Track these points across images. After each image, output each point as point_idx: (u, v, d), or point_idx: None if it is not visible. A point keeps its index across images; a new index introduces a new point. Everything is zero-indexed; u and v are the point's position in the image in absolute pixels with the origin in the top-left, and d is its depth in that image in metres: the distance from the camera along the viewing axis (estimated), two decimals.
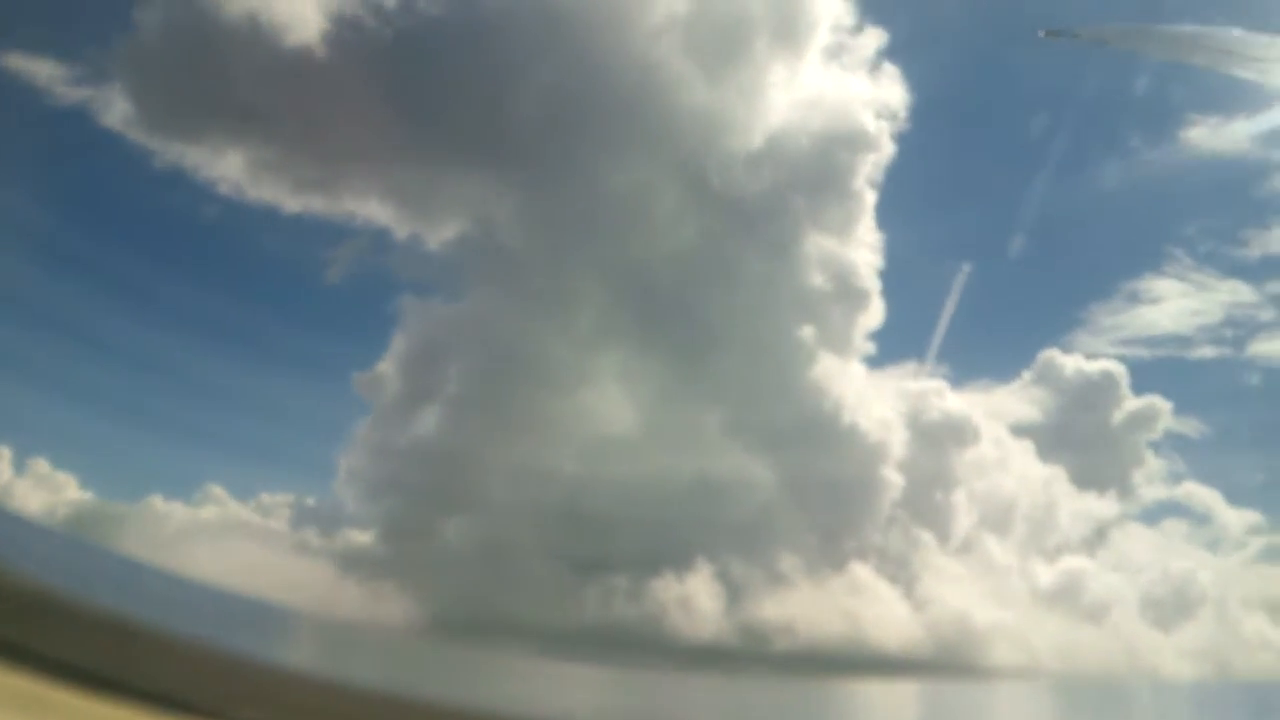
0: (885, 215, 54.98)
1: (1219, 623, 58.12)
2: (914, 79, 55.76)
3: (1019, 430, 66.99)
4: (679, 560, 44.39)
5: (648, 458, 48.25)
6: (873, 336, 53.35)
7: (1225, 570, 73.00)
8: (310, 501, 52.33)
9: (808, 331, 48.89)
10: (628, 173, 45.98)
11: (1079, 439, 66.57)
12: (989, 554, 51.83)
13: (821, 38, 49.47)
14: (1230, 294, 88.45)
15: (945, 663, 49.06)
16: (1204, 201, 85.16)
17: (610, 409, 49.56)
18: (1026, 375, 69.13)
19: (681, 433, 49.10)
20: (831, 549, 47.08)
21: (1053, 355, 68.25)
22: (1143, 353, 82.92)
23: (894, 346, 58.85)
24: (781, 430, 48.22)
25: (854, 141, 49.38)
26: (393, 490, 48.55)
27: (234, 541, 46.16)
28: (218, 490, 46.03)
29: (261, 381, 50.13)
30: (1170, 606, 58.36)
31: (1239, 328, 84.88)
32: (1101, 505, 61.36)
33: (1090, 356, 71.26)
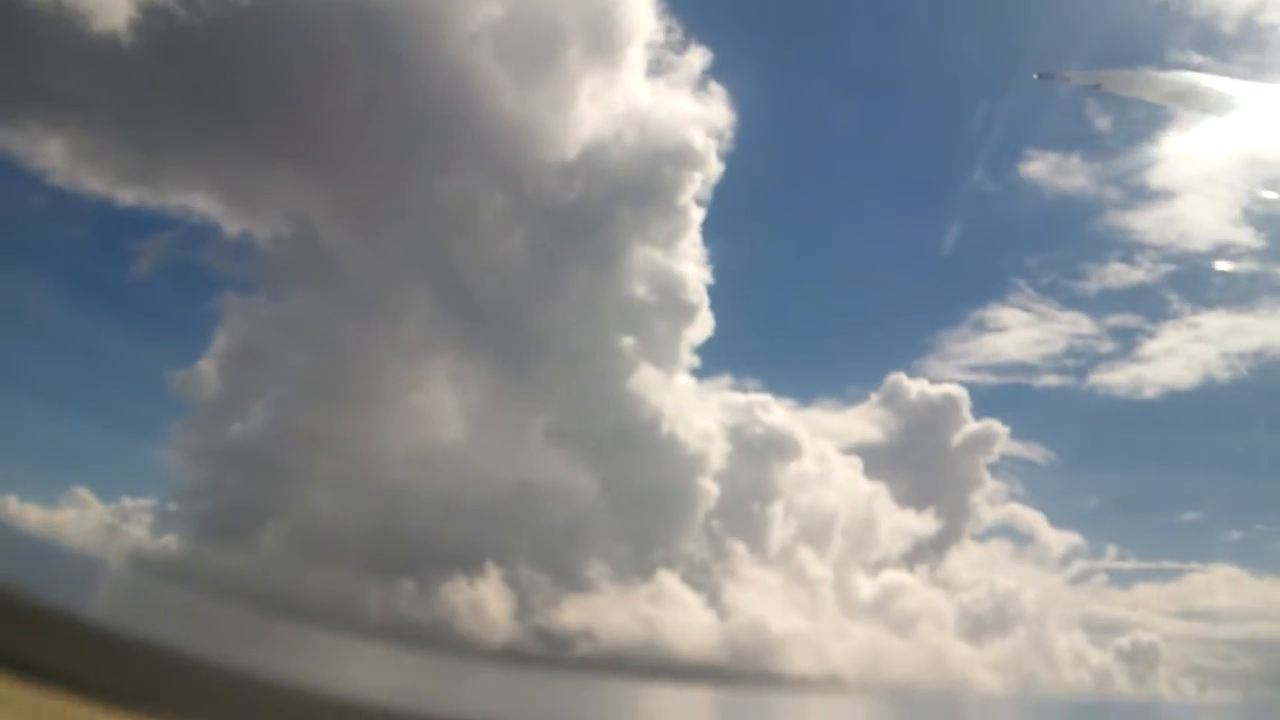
0: (715, 232, 56.30)
1: (1035, 639, 60.01)
2: (743, 99, 57.28)
3: (862, 449, 68.63)
4: (494, 563, 44.72)
5: (471, 464, 48.57)
6: (700, 349, 54.54)
7: (1047, 589, 75.27)
8: (127, 503, 52.16)
9: (630, 342, 49.76)
10: (451, 178, 46.50)
11: (920, 459, 68.39)
12: (805, 566, 52.93)
13: (643, 53, 50.74)
14: (1071, 325, 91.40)
15: (744, 670, 49.99)
16: (1045, 235, 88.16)
17: (436, 415, 49.88)
18: (875, 397, 71.13)
19: (505, 439, 49.53)
20: (642, 556, 47.78)
21: (899, 379, 70.24)
22: (991, 379, 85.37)
23: (723, 360, 60.01)
24: (601, 438, 48.93)
25: (680, 157, 50.45)
26: (209, 494, 48.32)
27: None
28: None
29: (77, 376, 49.60)
30: (989, 622, 60.09)
31: (1080, 358, 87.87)
32: (931, 523, 63.10)
33: (935, 381, 73.40)
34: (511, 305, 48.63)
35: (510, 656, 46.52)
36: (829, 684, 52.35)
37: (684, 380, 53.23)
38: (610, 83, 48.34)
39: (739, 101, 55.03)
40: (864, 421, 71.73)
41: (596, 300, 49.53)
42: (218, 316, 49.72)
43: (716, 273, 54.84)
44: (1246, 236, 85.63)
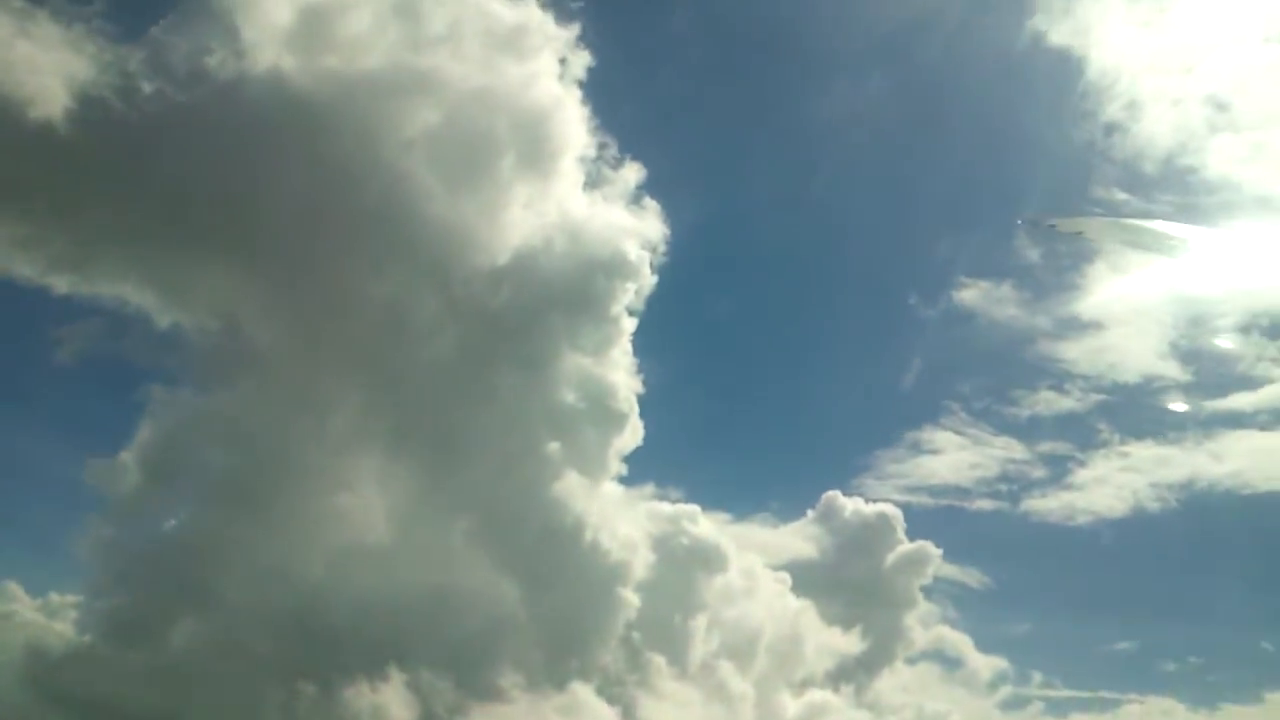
0: (647, 342, 57.24)
1: None
2: (677, 213, 59.15)
3: (797, 565, 68.53)
4: (402, 667, 44.07)
5: (391, 565, 48.09)
6: (629, 458, 54.84)
7: (978, 715, 74.55)
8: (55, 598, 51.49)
9: (556, 447, 49.93)
10: (384, 280, 47.28)
11: (853, 578, 68.29)
12: (726, 682, 52.32)
13: (578, 166, 52.34)
14: (1005, 450, 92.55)
15: None
16: (978, 361, 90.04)
17: (360, 514, 49.58)
18: (811, 513, 71.34)
19: (427, 541, 49.16)
20: (556, 666, 47.16)
21: (835, 496, 70.61)
22: (926, 500, 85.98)
23: (653, 470, 60.28)
24: (523, 544, 48.63)
25: (613, 267, 51.52)
26: (121, 590, 47.52)
27: None
28: None
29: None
30: None
31: (1013, 483, 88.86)
32: (860, 643, 62.74)
33: (871, 500, 73.79)
34: (440, 407, 48.89)
35: None
36: None
37: (611, 488, 53.39)
38: (544, 193, 49.76)
39: (673, 215, 56.82)
40: (799, 538, 71.82)
41: (525, 405, 49.91)
42: (143, 408, 49.52)
43: (648, 382, 55.62)
44: (1174, 370, 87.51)
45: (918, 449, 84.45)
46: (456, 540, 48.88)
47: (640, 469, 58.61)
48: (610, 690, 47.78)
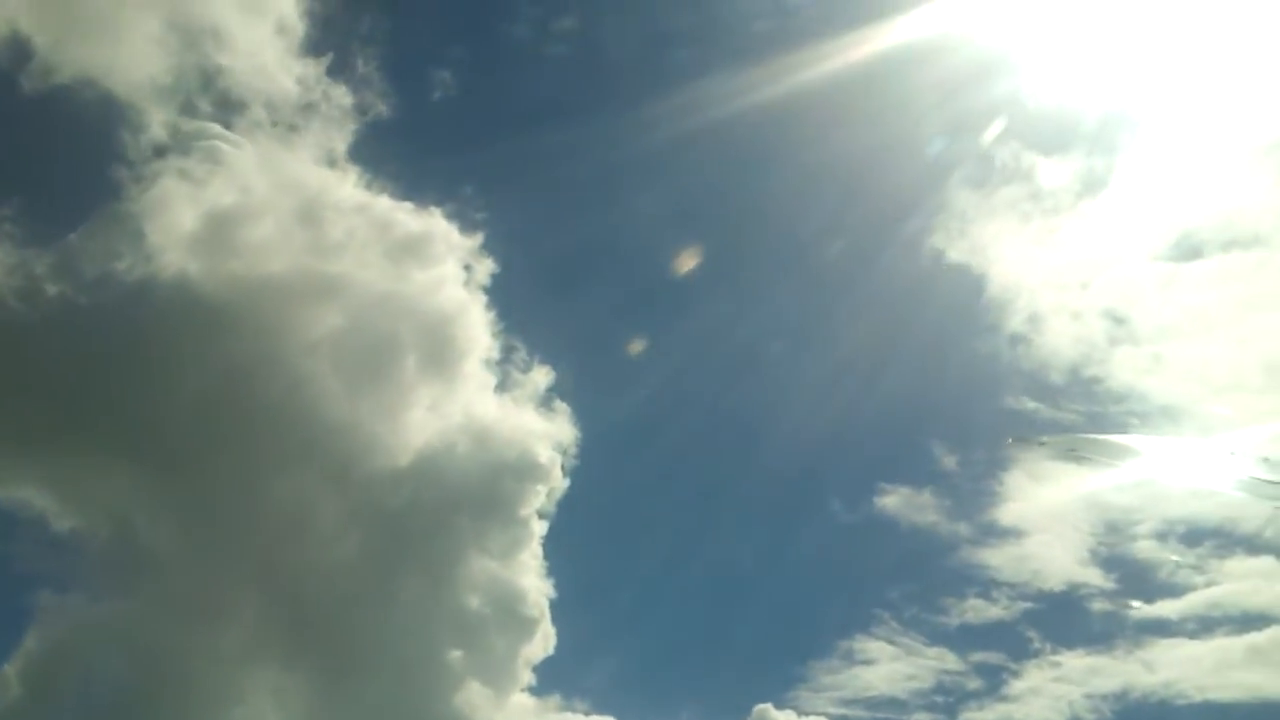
0: (559, 546, 56.48)
1: None
2: (588, 416, 59.50)
3: None
4: None
5: None
6: (540, 667, 53.06)
7: None
8: None
9: (459, 656, 48.38)
10: (283, 484, 46.92)
11: None
12: None
13: (485, 369, 53.08)
14: (938, 660, 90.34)
15: None
16: (904, 569, 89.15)
17: None
18: None
19: None
20: None
21: (767, 709, 68.12)
22: (863, 714, 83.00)
23: (567, 680, 58.03)
24: None
25: (522, 470, 51.46)
26: None
27: None
28: None
29: None
30: None
31: (949, 695, 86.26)
32: None
33: (803, 714, 71.23)
34: (339, 615, 47.63)
35: None
36: None
37: (520, 699, 51.46)
38: (449, 395, 50.20)
39: (584, 418, 57.17)
40: None
41: (428, 612, 48.68)
42: (31, 616, 47.93)
43: (561, 588, 54.55)
44: (1096, 577, 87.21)
45: (851, 659, 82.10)
46: None
47: (553, 679, 56.62)
48: None
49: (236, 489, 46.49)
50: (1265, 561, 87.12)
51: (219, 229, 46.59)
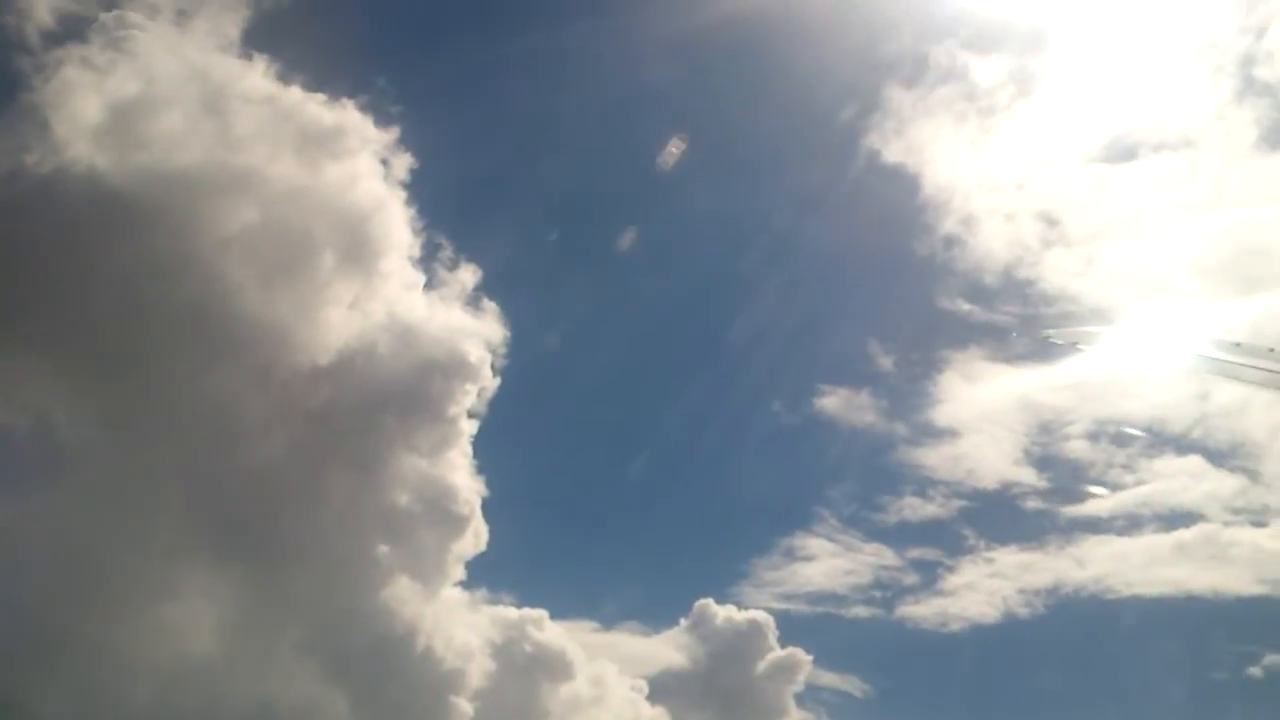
0: (492, 446, 56.69)
1: None
2: (518, 315, 59.33)
3: (668, 674, 67.11)
4: None
5: (220, 679, 46.09)
6: (473, 564, 53.80)
7: None
8: None
9: (387, 552, 48.89)
10: (205, 380, 46.61)
11: (725, 686, 66.96)
12: None
13: (408, 268, 52.67)
14: (876, 556, 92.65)
15: None
16: (843, 468, 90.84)
17: (188, 626, 47.67)
18: (684, 622, 70.31)
19: (254, 653, 47.29)
20: None
21: (707, 604, 69.79)
22: (804, 607, 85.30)
23: (501, 577, 58.89)
24: (352, 653, 47.10)
25: (450, 369, 51.42)
26: None
27: None
28: None
29: None
30: None
31: (887, 590, 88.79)
32: None
33: (746, 608, 73.01)
34: (267, 511, 47.71)
35: None
36: None
37: (452, 594, 52.19)
38: (371, 293, 49.77)
39: (513, 317, 57.00)
40: (670, 646, 70.51)
41: (356, 508, 49.01)
42: None
43: (495, 487, 55.00)
44: (1029, 476, 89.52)
45: (792, 555, 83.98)
46: (285, 650, 47.18)
47: (493, 576, 57.32)
48: None
49: (158, 385, 46.22)
50: (1193, 461, 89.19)
51: (125, 120, 45.54)
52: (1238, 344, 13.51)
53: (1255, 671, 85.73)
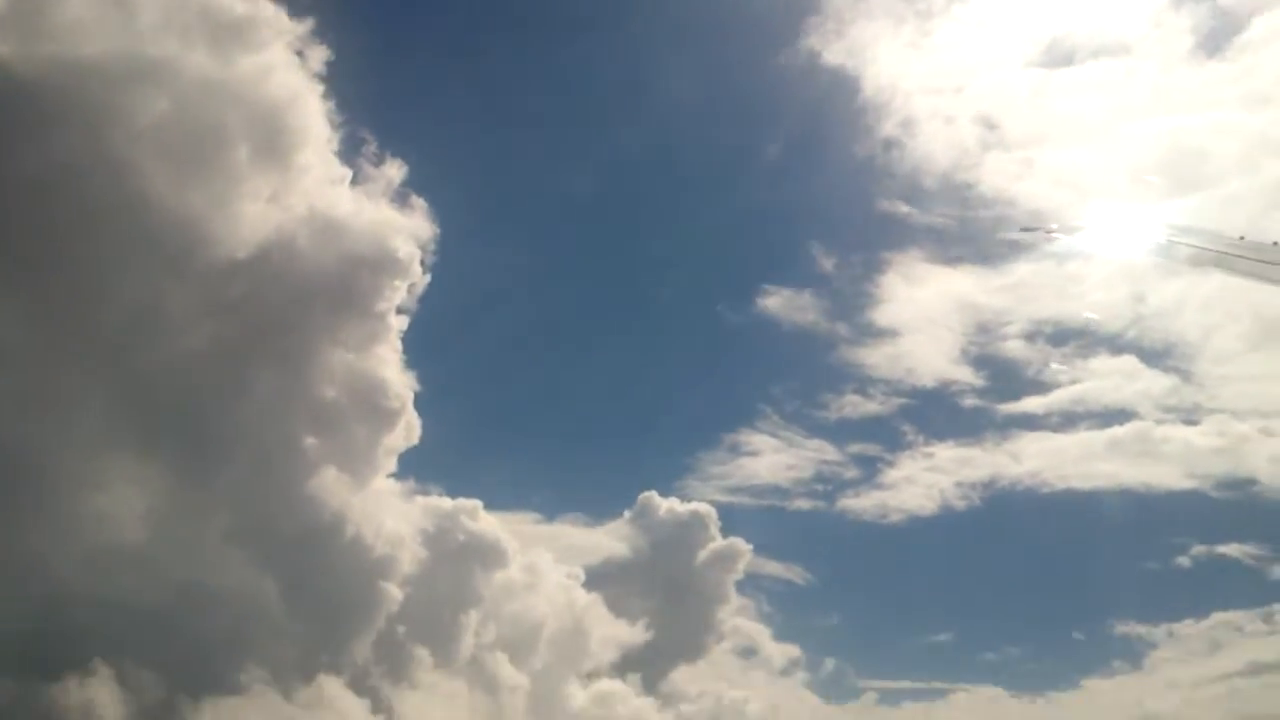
0: (424, 341, 57.01)
1: None
2: (449, 211, 59.19)
3: (608, 564, 68.94)
4: (125, 662, 43.20)
5: (147, 565, 46.97)
6: (407, 456, 54.75)
7: (810, 707, 75.74)
8: None
9: (314, 444, 49.63)
10: (122, 274, 46.57)
11: (666, 574, 68.81)
12: (497, 673, 52.18)
13: (329, 162, 52.32)
14: (818, 452, 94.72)
15: None
16: (786, 366, 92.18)
17: (116, 516, 48.42)
18: (628, 514, 71.88)
19: (184, 541, 48.09)
20: (305, 660, 46.61)
21: (651, 497, 71.35)
22: (748, 500, 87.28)
23: (445, 471, 59.89)
24: (279, 541, 48.11)
25: (378, 264, 51.54)
26: None
27: None
28: None
29: None
30: None
31: (828, 483, 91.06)
32: (659, 636, 63.03)
33: (691, 501, 74.65)
34: (192, 404, 48.14)
35: None
36: None
37: (386, 485, 53.21)
38: (290, 187, 49.50)
39: (442, 213, 56.91)
40: (613, 537, 72.29)
41: (282, 401, 49.53)
42: None
43: (426, 381, 55.65)
44: (967, 375, 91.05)
45: (736, 450, 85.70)
46: (212, 538, 48.13)
47: (428, 469, 58.26)
48: (362, 684, 47.42)
49: (77, 281, 46.17)
50: (1127, 361, 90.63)
51: (30, 7, 44.67)
52: (1208, 231, 13.96)
53: (1183, 562, 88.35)
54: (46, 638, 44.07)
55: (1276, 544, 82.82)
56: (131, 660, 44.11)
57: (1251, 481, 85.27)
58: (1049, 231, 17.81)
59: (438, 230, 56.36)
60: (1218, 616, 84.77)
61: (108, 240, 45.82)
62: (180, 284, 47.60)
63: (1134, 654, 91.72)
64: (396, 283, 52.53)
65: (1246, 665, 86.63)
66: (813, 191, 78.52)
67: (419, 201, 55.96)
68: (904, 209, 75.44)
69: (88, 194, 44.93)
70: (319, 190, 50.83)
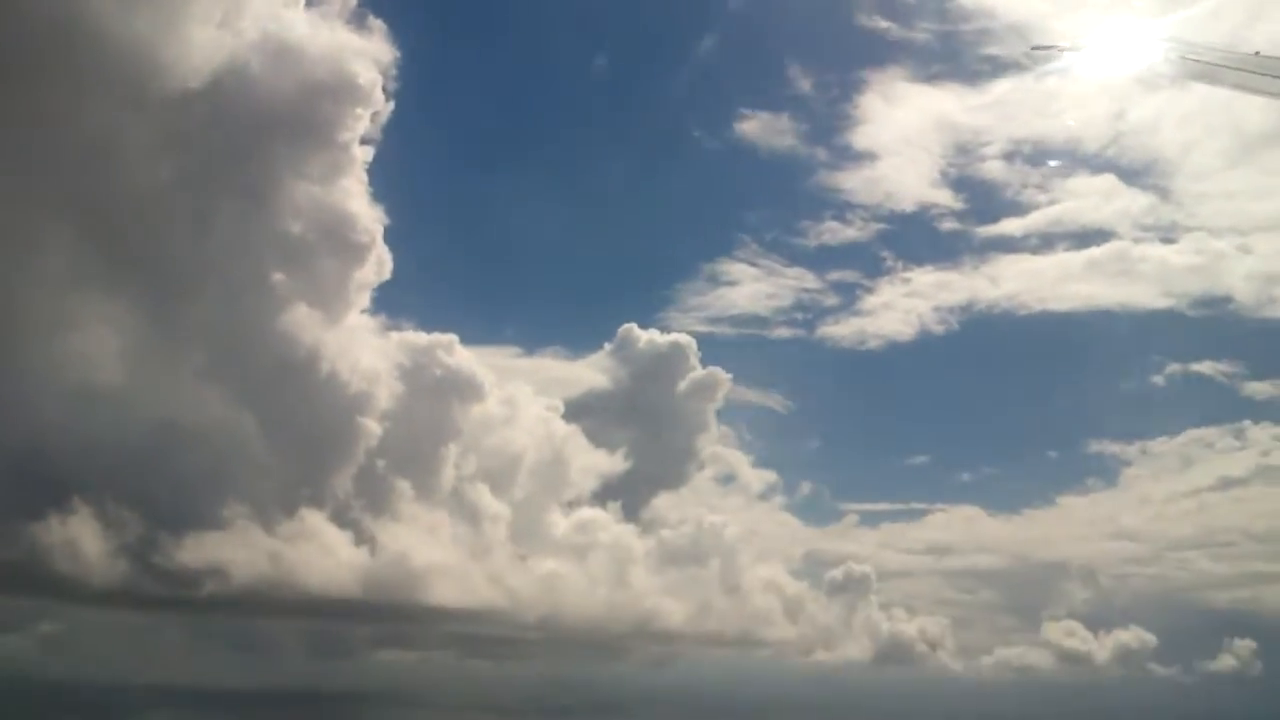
0: (392, 172, 55.05)
1: (724, 570, 62.19)
2: (413, 36, 56.06)
3: (590, 395, 69.50)
4: (111, 500, 43.65)
5: (124, 404, 46.80)
6: (381, 291, 54.10)
7: (789, 530, 78.32)
8: None
9: (284, 280, 48.69)
10: (73, 109, 44.62)
11: (646, 405, 69.52)
12: (478, 504, 53.13)
13: None
14: (798, 279, 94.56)
15: (383, 604, 50.38)
16: (764, 192, 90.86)
17: (91, 355, 47.91)
18: (608, 346, 72.14)
19: (160, 379, 47.89)
20: (287, 495, 47.18)
21: (631, 329, 71.43)
22: (728, 330, 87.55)
23: (421, 307, 59.27)
24: (255, 378, 47.88)
25: (339, 93, 49.41)
26: None
27: None
28: None
29: None
30: (684, 555, 61.84)
31: (808, 311, 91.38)
32: (639, 465, 64.12)
33: (671, 332, 74.76)
34: (155, 240, 47.16)
35: (126, 597, 45.85)
36: (481, 615, 53.28)
37: (357, 321, 52.66)
38: (241, 9, 46.73)
39: (403, 36, 54.12)
40: (594, 370, 72.77)
41: (248, 236, 48.37)
42: None
43: (394, 214, 54.34)
44: (946, 198, 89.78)
45: (716, 280, 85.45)
46: (187, 376, 47.91)
47: (403, 304, 57.56)
48: (344, 516, 48.15)
49: (26, 115, 44.18)
50: (1106, 180, 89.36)
51: None
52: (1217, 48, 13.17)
53: (1158, 380, 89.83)
54: (26, 477, 44.55)
55: (1250, 361, 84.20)
56: (112, 498, 44.66)
57: (1227, 299, 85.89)
58: (1061, 50, 16.96)
59: (398, 54, 53.85)
60: (1191, 433, 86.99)
61: (57, 71, 43.56)
62: (134, 115, 45.60)
63: (1108, 471, 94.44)
64: (358, 111, 50.52)
65: (1217, 480, 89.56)
66: (789, 9, 75.19)
67: (377, 23, 53.27)
68: (883, 24, 72.66)
69: (33, 22, 42.46)
70: (271, 12, 48.17)
